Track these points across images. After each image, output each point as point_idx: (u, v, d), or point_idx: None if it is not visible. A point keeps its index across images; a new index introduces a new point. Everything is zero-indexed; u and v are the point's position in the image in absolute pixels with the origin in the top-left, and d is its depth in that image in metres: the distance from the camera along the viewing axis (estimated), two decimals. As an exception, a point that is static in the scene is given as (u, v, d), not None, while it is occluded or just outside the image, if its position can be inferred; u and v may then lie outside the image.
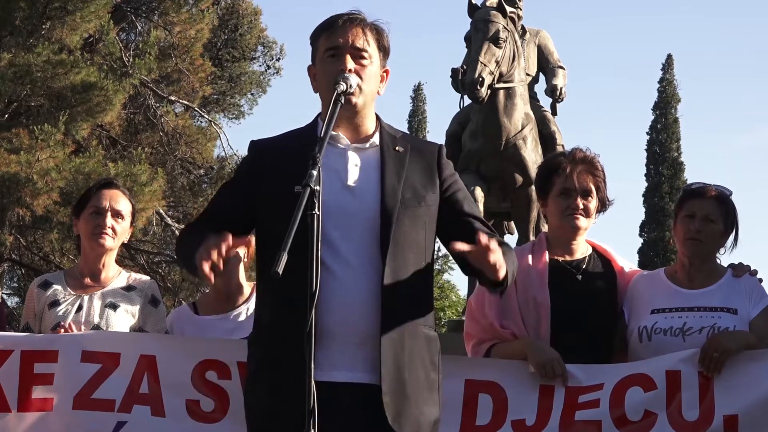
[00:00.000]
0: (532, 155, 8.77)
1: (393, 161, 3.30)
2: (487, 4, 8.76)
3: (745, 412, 3.90)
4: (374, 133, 3.36)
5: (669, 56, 40.37)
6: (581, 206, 4.21)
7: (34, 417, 4.07)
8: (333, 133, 3.24)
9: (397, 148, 3.34)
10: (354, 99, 3.26)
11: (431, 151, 3.42)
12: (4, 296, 19.64)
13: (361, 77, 3.28)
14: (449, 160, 3.46)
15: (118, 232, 4.47)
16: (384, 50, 3.38)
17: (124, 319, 4.41)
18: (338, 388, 3.13)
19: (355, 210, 3.22)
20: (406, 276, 3.22)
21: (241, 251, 4.57)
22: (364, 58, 3.30)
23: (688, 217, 4.22)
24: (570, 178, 4.21)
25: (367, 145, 3.34)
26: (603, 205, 4.31)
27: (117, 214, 4.46)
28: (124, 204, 4.50)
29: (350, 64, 3.27)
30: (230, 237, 3.09)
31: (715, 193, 4.24)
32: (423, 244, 3.30)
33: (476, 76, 8.31)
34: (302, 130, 3.41)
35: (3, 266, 17.85)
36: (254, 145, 3.43)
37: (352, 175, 3.27)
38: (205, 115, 20.82)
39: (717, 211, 4.21)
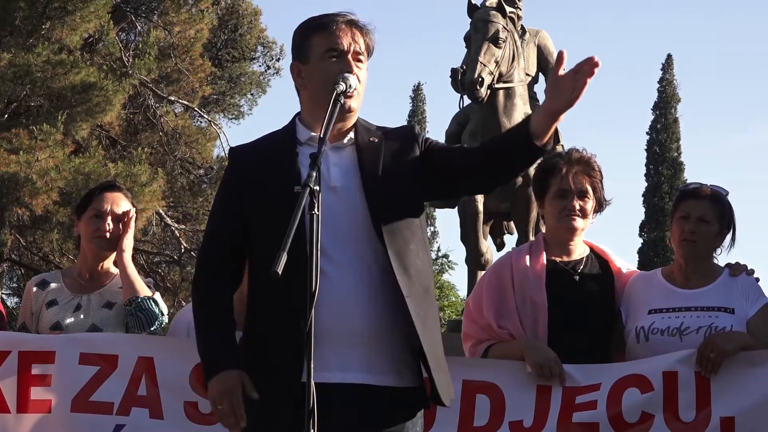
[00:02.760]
0: (532, 155, 8.76)
1: (369, 153, 3.31)
2: (487, 4, 8.75)
3: (742, 414, 3.89)
4: (350, 129, 3.37)
5: (669, 56, 40.40)
6: (577, 207, 4.21)
7: (33, 418, 4.07)
8: (312, 134, 3.27)
9: (371, 139, 3.35)
10: (353, 104, 3.29)
11: (405, 133, 3.43)
12: (4, 296, 19.65)
13: (359, 80, 3.30)
14: (424, 134, 3.46)
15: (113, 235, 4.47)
16: (370, 54, 3.40)
17: (120, 318, 4.41)
18: (330, 388, 3.12)
19: (341, 210, 3.22)
20: (410, 256, 3.24)
21: None
22: (361, 61, 3.33)
23: (682, 218, 4.22)
24: (566, 179, 4.22)
25: (345, 141, 3.34)
26: (600, 205, 4.31)
27: (117, 218, 4.47)
28: (125, 207, 4.51)
29: (354, 67, 3.28)
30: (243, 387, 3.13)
31: (709, 193, 4.23)
32: (415, 215, 3.31)
33: (476, 76, 8.30)
34: (280, 131, 3.41)
35: (3, 266, 17.85)
36: (234, 152, 3.43)
37: (334, 176, 3.27)
38: (205, 115, 20.82)
39: (711, 212, 4.20)
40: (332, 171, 3.27)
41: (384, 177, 3.27)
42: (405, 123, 41.98)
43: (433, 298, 3.37)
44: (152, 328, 4.41)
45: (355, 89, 3.26)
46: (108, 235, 4.44)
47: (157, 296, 4.50)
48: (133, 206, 4.59)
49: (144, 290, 4.40)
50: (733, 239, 4.27)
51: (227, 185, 3.42)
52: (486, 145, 3.49)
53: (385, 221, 3.22)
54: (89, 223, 4.46)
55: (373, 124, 3.45)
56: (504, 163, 3.31)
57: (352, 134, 3.35)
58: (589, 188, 4.24)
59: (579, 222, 4.23)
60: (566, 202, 4.21)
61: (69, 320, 4.36)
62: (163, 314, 4.46)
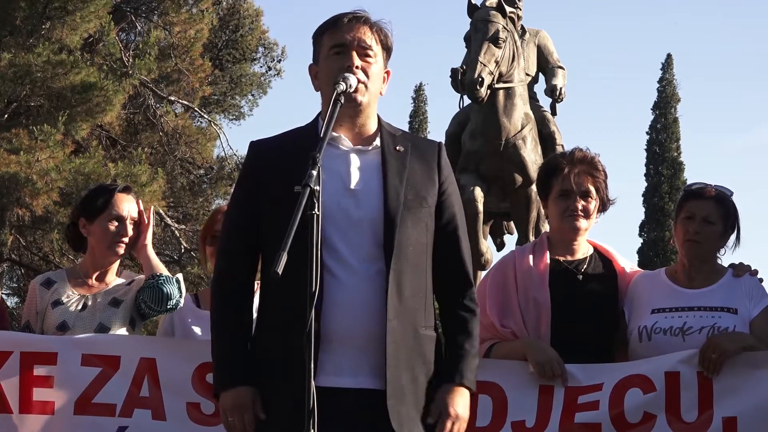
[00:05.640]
0: (532, 155, 8.77)
1: (394, 162, 3.29)
2: (487, 4, 8.75)
3: (744, 414, 3.88)
4: (376, 134, 3.35)
5: (669, 56, 40.30)
6: (580, 207, 4.21)
7: (35, 419, 4.06)
8: (335, 134, 3.23)
9: (397, 147, 3.33)
10: (359, 97, 3.26)
11: (431, 150, 3.41)
12: (4, 296, 19.65)
13: (366, 75, 3.28)
14: (448, 160, 3.45)
15: (131, 239, 4.52)
16: (387, 50, 3.38)
17: (126, 315, 4.42)
18: (343, 393, 3.11)
19: (358, 214, 3.21)
20: (409, 278, 3.22)
21: None
22: (369, 56, 3.30)
23: (687, 218, 4.21)
24: (568, 179, 4.21)
25: (370, 147, 3.32)
26: (603, 205, 4.30)
27: (133, 221, 4.50)
28: (137, 210, 4.54)
29: (357, 60, 3.26)
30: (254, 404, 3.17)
31: (714, 194, 4.23)
32: (425, 244, 3.30)
33: (476, 76, 8.30)
34: (302, 129, 3.40)
35: (3, 266, 17.85)
36: (254, 146, 3.42)
37: (354, 179, 3.25)
38: (205, 116, 20.83)
39: (716, 212, 4.20)
40: (353, 174, 3.25)
41: (406, 190, 3.26)
42: (406, 124, 42.03)
43: (425, 324, 3.28)
44: (169, 306, 4.42)
45: (361, 85, 3.24)
46: (128, 240, 4.46)
47: (180, 276, 4.53)
48: (141, 206, 4.61)
49: (166, 271, 4.45)
50: (737, 239, 4.27)
51: (243, 179, 3.42)
52: (441, 300, 3.41)
53: (396, 235, 3.20)
54: (107, 228, 4.45)
55: (398, 129, 3.43)
56: (440, 314, 3.42)
57: (378, 141, 3.33)
58: (592, 188, 4.23)
59: (582, 222, 4.22)
60: (569, 203, 4.21)
61: (75, 319, 4.36)
62: (181, 295, 4.48)
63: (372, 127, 3.36)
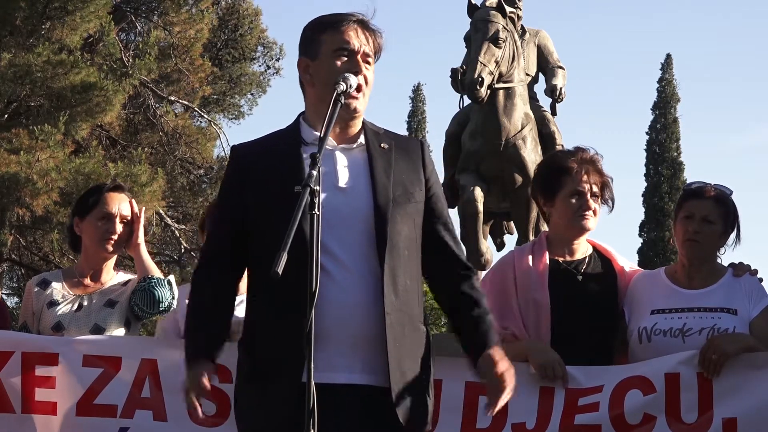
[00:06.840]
0: (532, 155, 8.76)
1: (381, 159, 3.32)
2: (487, 4, 8.74)
3: (744, 415, 3.89)
4: (359, 132, 3.37)
5: (668, 56, 40.34)
6: (593, 207, 4.22)
7: (38, 420, 4.07)
8: (317, 134, 3.25)
9: (382, 145, 3.36)
10: (358, 105, 3.29)
11: (414, 148, 3.44)
12: (4, 296, 19.66)
13: (366, 81, 3.31)
14: (431, 156, 3.48)
15: (122, 237, 4.49)
16: (378, 56, 3.41)
17: (122, 316, 4.43)
18: (337, 390, 3.12)
19: (349, 211, 3.22)
20: (402, 273, 3.24)
21: None
22: (369, 63, 3.33)
23: (686, 218, 4.21)
24: (581, 179, 4.21)
25: (354, 145, 3.34)
26: (613, 203, 4.34)
27: (124, 220, 4.49)
28: (128, 207, 4.54)
29: (363, 68, 3.29)
30: (209, 374, 3.18)
31: (714, 193, 4.23)
32: (414, 239, 3.32)
33: (476, 76, 8.30)
34: (284, 131, 3.41)
35: (3, 266, 17.85)
36: (237, 150, 3.43)
37: (343, 177, 3.27)
38: (205, 115, 20.83)
39: (716, 212, 4.20)
40: (341, 172, 3.27)
41: (393, 186, 3.28)
42: (405, 124, 42.11)
43: (419, 319, 3.32)
44: (161, 309, 4.43)
45: (360, 90, 3.26)
46: (117, 237, 4.46)
47: (171, 278, 4.53)
48: (134, 205, 4.61)
49: (158, 273, 4.46)
50: (737, 238, 4.27)
51: (228, 184, 3.43)
52: (447, 291, 3.43)
53: (388, 231, 3.21)
54: (97, 225, 4.47)
55: (380, 128, 3.45)
56: (446, 308, 3.47)
57: (362, 138, 3.35)
58: (602, 188, 4.26)
59: (591, 222, 4.24)
60: (581, 202, 4.21)
61: (71, 320, 4.37)
62: (173, 297, 4.48)
63: (357, 126, 3.38)
